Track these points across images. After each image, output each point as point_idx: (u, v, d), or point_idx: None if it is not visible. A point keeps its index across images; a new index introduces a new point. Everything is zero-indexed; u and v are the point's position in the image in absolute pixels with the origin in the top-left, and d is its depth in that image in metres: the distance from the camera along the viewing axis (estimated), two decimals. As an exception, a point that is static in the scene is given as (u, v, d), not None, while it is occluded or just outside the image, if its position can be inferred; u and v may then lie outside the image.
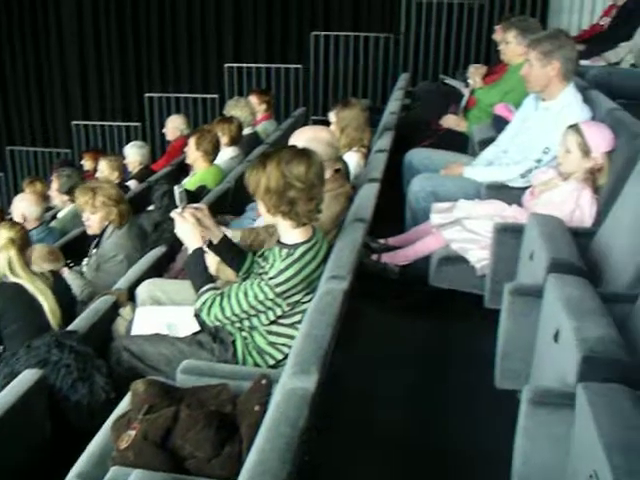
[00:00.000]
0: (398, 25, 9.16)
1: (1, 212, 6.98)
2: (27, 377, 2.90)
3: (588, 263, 2.84)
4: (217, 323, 2.89)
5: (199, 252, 2.97)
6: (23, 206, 5.18)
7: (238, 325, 2.89)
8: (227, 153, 5.76)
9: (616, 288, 2.76)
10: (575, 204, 3.34)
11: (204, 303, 2.86)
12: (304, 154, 2.73)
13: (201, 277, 2.94)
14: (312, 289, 2.74)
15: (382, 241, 4.06)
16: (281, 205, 2.70)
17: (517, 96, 4.60)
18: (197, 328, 3.14)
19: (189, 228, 2.98)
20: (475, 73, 5.58)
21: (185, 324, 3.18)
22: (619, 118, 3.55)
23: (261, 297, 2.74)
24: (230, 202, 5.00)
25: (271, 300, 2.74)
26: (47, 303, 3.45)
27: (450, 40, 9.07)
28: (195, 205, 3.16)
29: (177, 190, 3.10)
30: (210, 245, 3.11)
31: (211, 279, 2.95)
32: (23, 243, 3.59)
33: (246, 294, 2.77)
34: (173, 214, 3.05)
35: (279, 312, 2.79)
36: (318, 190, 2.75)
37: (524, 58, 4.52)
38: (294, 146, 2.86)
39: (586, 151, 3.36)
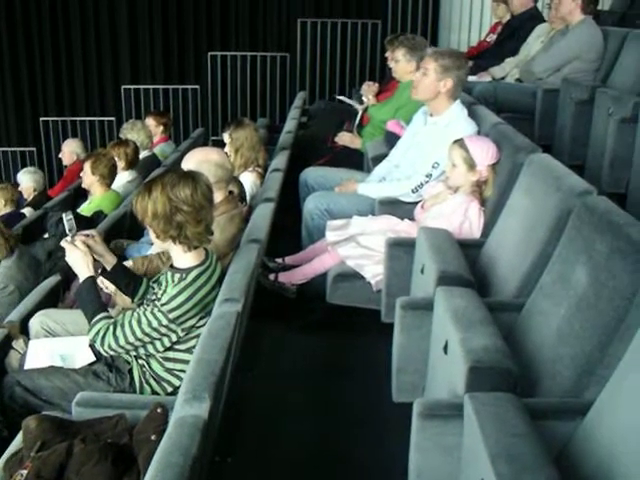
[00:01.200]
0: (294, 44, 9.25)
1: None
2: None
3: (476, 274, 2.93)
4: (112, 353, 2.83)
5: (90, 280, 2.91)
6: None
7: (134, 353, 2.84)
8: (124, 177, 5.67)
9: (503, 297, 2.84)
10: (464, 216, 3.44)
11: (97, 333, 2.79)
12: (189, 177, 2.73)
13: (93, 306, 2.87)
14: (207, 313, 2.72)
15: (279, 260, 4.07)
16: (170, 230, 2.68)
17: (408, 112, 4.70)
18: (93, 358, 3.08)
19: (80, 256, 2.91)
20: (368, 90, 5.69)
21: (81, 355, 3.11)
22: (503, 132, 3.68)
23: (155, 324, 2.71)
24: (128, 226, 4.93)
25: (165, 327, 2.71)
26: None
27: (345, 58, 9.22)
28: (86, 232, 3.10)
29: (65, 217, 3.04)
30: (104, 272, 3.06)
31: (104, 308, 2.89)
32: None
33: (139, 322, 2.72)
34: (63, 242, 2.98)
35: (174, 338, 2.76)
36: (207, 212, 2.74)
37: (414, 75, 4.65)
38: (178, 170, 2.86)
39: (471, 165, 3.47)
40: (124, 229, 4.89)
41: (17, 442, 2.61)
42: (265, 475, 2.83)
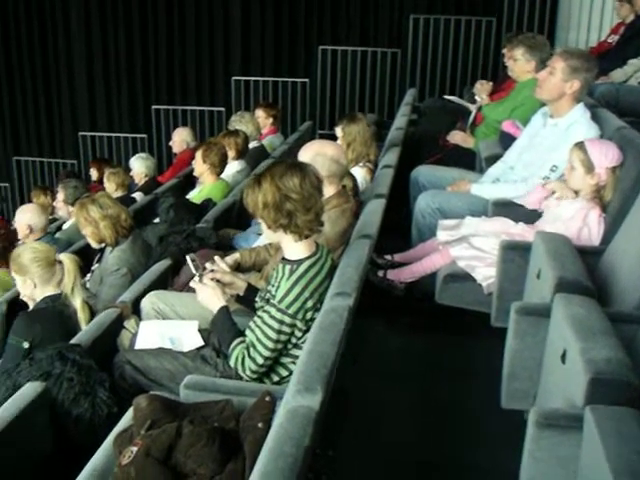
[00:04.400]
0: (405, 40, 9.17)
1: (5, 222, 7.00)
2: (29, 390, 2.89)
3: (595, 282, 2.82)
4: (256, 376, 2.82)
5: (224, 310, 2.95)
6: (28, 217, 5.16)
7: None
8: (233, 167, 5.75)
9: (624, 308, 2.73)
10: (582, 222, 3.32)
11: (236, 360, 2.81)
12: (296, 167, 2.75)
13: (229, 334, 2.89)
14: (320, 306, 2.72)
15: (388, 257, 4.04)
16: (280, 219, 2.70)
17: (525, 113, 4.59)
18: (201, 343, 3.13)
19: (210, 293, 2.98)
20: (482, 89, 5.59)
21: (189, 338, 3.16)
22: (627, 136, 3.53)
23: (277, 326, 2.71)
24: (236, 216, 5.00)
25: (288, 325, 2.71)
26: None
27: (457, 56, 9.08)
28: (210, 267, 3.17)
29: (190, 259, 3.09)
30: (238, 299, 3.13)
31: (240, 334, 2.89)
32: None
33: (265, 333, 2.73)
34: (192, 284, 3.04)
35: (299, 333, 2.75)
36: (315, 200, 2.74)
37: (532, 75, 4.52)
38: (285, 161, 2.88)
39: (589, 167, 3.35)
40: (232, 218, 4.96)
41: (127, 419, 2.68)
42: (364, 472, 2.82)
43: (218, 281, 3.04)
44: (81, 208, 4.08)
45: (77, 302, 3.53)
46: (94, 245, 4.21)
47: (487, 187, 4.14)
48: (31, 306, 3.59)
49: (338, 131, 4.57)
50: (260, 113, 7.05)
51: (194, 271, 3.06)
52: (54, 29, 10.77)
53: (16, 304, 4.12)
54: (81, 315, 3.51)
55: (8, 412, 2.78)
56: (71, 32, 10.69)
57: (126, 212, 4.14)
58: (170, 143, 7.81)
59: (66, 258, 3.58)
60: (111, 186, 6.14)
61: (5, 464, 2.77)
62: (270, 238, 2.92)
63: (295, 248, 2.77)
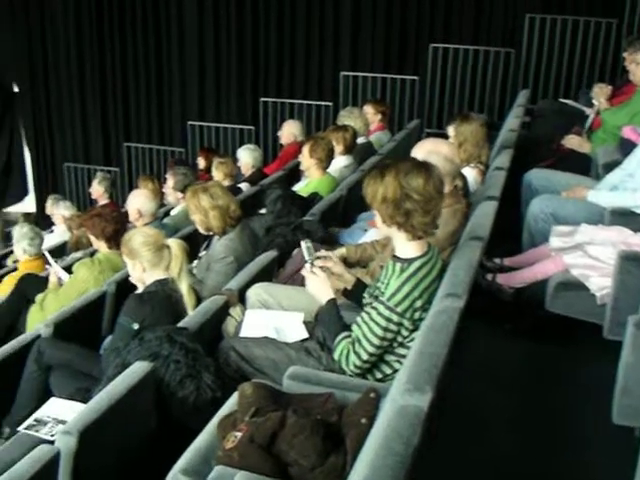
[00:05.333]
0: (520, 40, 8.95)
1: (115, 205, 7.21)
2: (138, 369, 2.98)
3: None
4: (358, 371, 2.82)
5: (332, 303, 2.95)
6: (139, 202, 5.30)
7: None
8: (340, 162, 5.76)
9: None
10: None
11: (341, 354, 2.82)
12: (423, 167, 2.71)
13: (335, 327, 2.90)
14: (429, 306, 2.69)
15: (497, 261, 3.97)
16: (396, 216, 2.67)
17: (647, 119, 4.42)
18: (306, 335, 3.15)
19: (319, 282, 2.99)
20: (600, 93, 5.40)
21: (294, 330, 3.19)
22: None
23: (384, 324, 2.70)
24: (341, 211, 5.00)
25: (396, 323, 2.70)
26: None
27: (574, 58, 8.79)
28: (323, 253, 3.18)
29: (304, 245, 3.10)
30: (345, 292, 3.12)
31: (345, 327, 2.89)
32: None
33: (372, 330, 2.73)
34: (303, 272, 3.06)
35: (405, 333, 2.74)
36: (435, 203, 2.70)
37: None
38: (413, 159, 2.83)
39: None
40: (338, 213, 4.97)
41: (230, 404, 2.72)
42: (462, 476, 2.77)
43: (329, 271, 3.05)
44: (193, 195, 4.17)
45: (183, 287, 3.61)
46: (202, 231, 4.29)
47: (604, 195, 4.00)
48: (140, 288, 3.69)
49: (450, 130, 4.51)
50: (369, 109, 7.03)
51: (306, 257, 3.06)
52: (168, 20, 11.06)
53: (125, 285, 4.26)
54: (187, 300, 3.59)
55: (117, 389, 2.87)
56: (185, 24, 10.95)
57: (235, 203, 4.20)
58: (278, 134, 7.90)
59: (174, 243, 3.67)
60: (219, 175, 6.25)
61: (111, 438, 2.87)
62: (382, 232, 2.91)
63: (407, 246, 2.74)
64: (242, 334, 3.27)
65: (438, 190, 2.70)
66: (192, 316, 3.40)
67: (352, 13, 10.03)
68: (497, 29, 9.41)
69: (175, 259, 3.61)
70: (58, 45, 11.86)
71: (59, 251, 6.78)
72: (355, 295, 3.11)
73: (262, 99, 10.46)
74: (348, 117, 6.51)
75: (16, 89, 12.72)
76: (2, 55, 12.55)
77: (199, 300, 3.71)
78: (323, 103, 10.17)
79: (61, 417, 3.28)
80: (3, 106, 12.86)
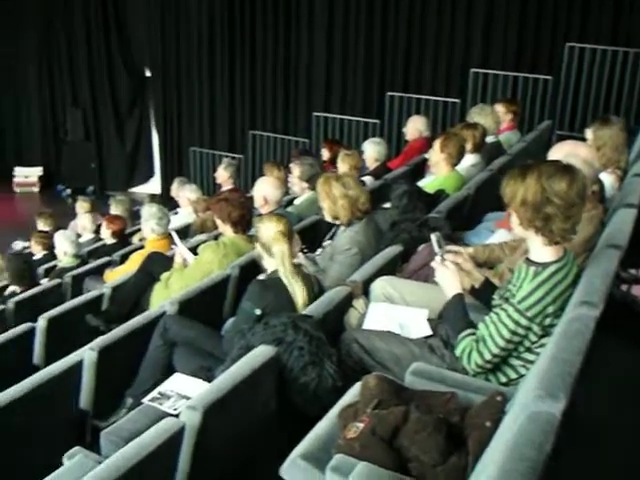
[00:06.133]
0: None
1: (240, 191, 7.35)
2: (262, 352, 3.04)
3: None
4: (479, 370, 2.80)
5: (459, 298, 2.93)
6: (266, 189, 5.40)
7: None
8: (469, 160, 5.67)
9: None
10: None
11: (463, 350, 2.80)
12: (567, 170, 2.62)
13: (460, 323, 2.88)
14: (561, 313, 2.62)
15: (633, 272, 3.81)
16: (535, 220, 2.61)
17: None
18: (429, 332, 3.13)
19: (449, 275, 2.96)
20: None
21: (418, 326, 3.18)
22: None
23: (512, 326, 2.66)
24: (468, 210, 4.93)
25: (524, 327, 2.65)
26: (302, 299, 3.58)
27: None
28: (454, 248, 3.15)
29: (435, 237, 3.08)
30: (473, 291, 3.09)
31: (470, 324, 2.87)
32: (291, 235, 3.73)
33: (498, 330, 2.69)
34: (434, 263, 3.04)
35: (533, 338, 2.68)
36: (577, 210, 2.62)
37: None
38: (557, 161, 2.74)
39: None
40: (464, 212, 4.90)
41: (352, 395, 2.74)
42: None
43: (458, 266, 3.02)
44: (325, 182, 4.22)
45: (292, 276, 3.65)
46: (328, 219, 4.32)
47: None
48: (262, 275, 3.76)
49: (588, 133, 4.37)
50: (500, 108, 6.87)
51: (436, 249, 3.04)
52: (298, 12, 11.20)
53: (249, 269, 4.35)
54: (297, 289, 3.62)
55: (240, 371, 2.95)
56: (315, 16, 11.05)
57: (366, 196, 4.21)
58: (403, 130, 7.86)
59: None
60: (344, 167, 6.27)
61: (233, 418, 2.94)
62: (517, 234, 2.84)
63: (542, 251, 2.67)
64: (365, 326, 3.29)
65: (581, 196, 2.61)
66: (316, 305, 3.43)
67: (485, 10, 9.83)
68: (638, 30, 8.98)
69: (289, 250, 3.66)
70: (191, 32, 12.24)
71: (183, 233, 6.97)
72: (483, 295, 3.06)
73: (388, 93, 10.44)
74: (479, 114, 6.38)
75: (148, 74, 13.20)
76: (136, 40, 13.04)
77: (321, 289, 3.75)
78: (450, 100, 10.03)
79: (184, 393, 3.39)
80: (135, 90, 13.38)
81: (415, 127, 7.47)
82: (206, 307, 4.31)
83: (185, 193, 7.81)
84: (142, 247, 6.18)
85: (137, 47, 13.13)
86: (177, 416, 2.88)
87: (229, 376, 2.91)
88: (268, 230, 3.66)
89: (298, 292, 3.55)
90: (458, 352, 2.82)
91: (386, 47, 10.63)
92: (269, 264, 3.71)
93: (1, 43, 14.18)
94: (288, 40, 11.42)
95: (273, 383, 3.10)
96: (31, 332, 4.65)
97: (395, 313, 3.30)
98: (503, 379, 2.79)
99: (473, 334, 2.79)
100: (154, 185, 13.66)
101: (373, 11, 10.58)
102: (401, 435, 2.38)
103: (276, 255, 3.60)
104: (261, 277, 3.70)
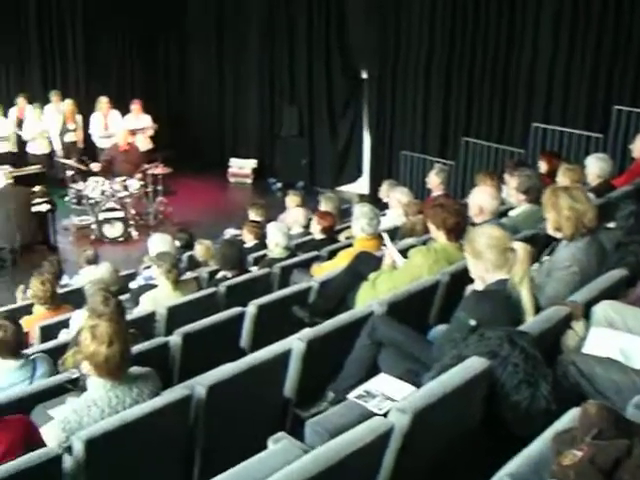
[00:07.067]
0: None
1: (453, 198, 7.27)
2: (475, 363, 3.00)
3: None
4: None
5: None
6: (483, 198, 5.32)
7: None
8: None
9: None
10: None
11: None
12: None
13: None
14: None
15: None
16: None
17: None
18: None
19: None
20: None
21: (640, 355, 2.99)
22: None
23: None
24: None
25: None
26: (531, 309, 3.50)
27: None
28: None
29: None
30: None
31: None
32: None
33: None
34: None
35: None
36: None
37: None
38: None
39: None
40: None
41: (568, 420, 2.62)
42: None
43: None
44: (552, 193, 4.13)
45: (524, 291, 3.55)
46: (550, 231, 4.18)
47: None
48: (479, 286, 3.68)
49: None
50: None
51: None
52: (523, 22, 10.86)
53: (459, 278, 4.30)
54: (528, 305, 3.53)
55: (453, 379, 2.93)
56: (540, 28, 10.67)
57: (593, 212, 4.02)
58: (629, 147, 7.43)
59: (520, 247, 3.61)
60: (565, 181, 6.03)
61: (439, 426, 2.92)
62: None
63: None
64: (584, 350, 3.15)
65: None
66: (533, 322, 3.33)
67: None
68: None
69: (520, 263, 3.55)
70: (410, 37, 12.26)
71: (390, 234, 7.02)
72: None
73: (615, 107, 9.87)
74: None
75: (365, 75, 13.41)
76: (355, 41, 13.29)
77: (538, 306, 3.63)
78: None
79: (389, 394, 3.42)
80: (350, 91, 13.67)
81: (642, 144, 7.05)
82: (413, 311, 4.32)
83: (396, 195, 7.85)
84: (350, 245, 6.29)
85: (356, 48, 13.38)
86: (383, 416, 2.90)
87: (440, 383, 2.90)
88: (500, 240, 3.59)
89: (527, 302, 3.46)
90: None
91: (617, 54, 9.99)
92: (488, 275, 3.63)
93: (228, 44, 15.13)
94: (510, 49, 11.07)
95: (482, 396, 3.04)
96: (240, 317, 4.88)
97: (617, 339, 3.13)
98: None
99: None
100: (361, 185, 13.86)
101: (607, 7, 9.96)
102: (622, 469, 2.25)
103: (510, 264, 3.53)
104: (479, 288, 3.63)
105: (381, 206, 8.67)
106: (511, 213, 6.05)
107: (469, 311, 3.46)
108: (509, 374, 2.94)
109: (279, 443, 3.00)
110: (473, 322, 3.38)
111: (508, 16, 11.02)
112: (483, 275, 3.62)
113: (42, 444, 3.21)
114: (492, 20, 11.19)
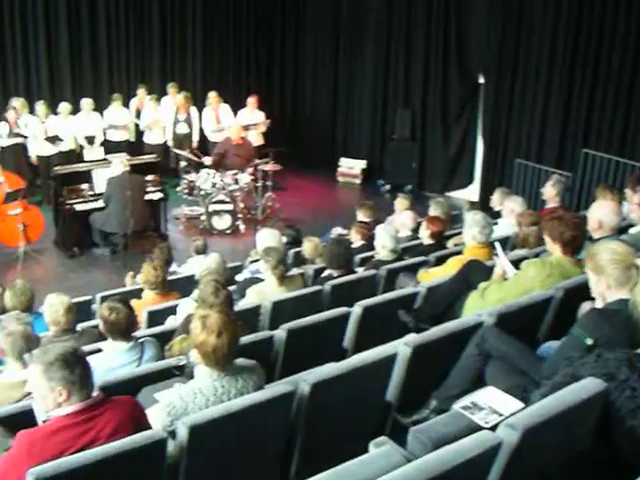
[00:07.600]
0: None
1: (565, 209, 7.04)
2: (590, 384, 2.89)
3: None
4: None
5: None
6: (603, 213, 5.13)
7: None
8: None
9: None
10: None
11: None
12: None
13: None
14: None
15: None
16: None
17: None
18: None
19: None
20: None
21: None
22: None
23: None
24: None
25: None
26: None
27: None
28: None
29: None
30: None
31: None
32: None
33: None
34: None
35: None
36: None
37: None
38: None
39: None
40: None
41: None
42: None
43: None
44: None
45: None
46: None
47: None
48: (599, 304, 3.54)
49: None
50: None
51: None
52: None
53: (574, 294, 4.15)
54: None
55: (566, 398, 2.84)
56: None
57: None
58: None
59: None
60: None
61: (549, 445, 2.81)
62: None
63: None
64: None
65: None
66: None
67: None
68: None
69: None
70: (532, 41, 11.93)
71: (501, 244, 6.86)
72: None
73: None
74: None
75: (481, 80, 13.17)
76: (473, 45, 13.07)
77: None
78: None
79: (496, 408, 3.33)
80: (466, 96, 13.45)
81: None
82: (522, 325, 4.19)
83: (510, 204, 7.65)
84: (460, 252, 6.18)
85: (474, 53, 13.16)
86: (490, 429, 2.82)
87: (552, 402, 2.80)
88: (623, 256, 3.45)
89: None
90: None
91: None
92: (610, 292, 3.48)
93: (343, 44, 15.20)
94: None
95: (595, 419, 2.91)
96: (344, 316, 4.87)
97: None
98: None
99: None
100: (471, 192, 13.62)
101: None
102: None
103: (633, 282, 3.38)
104: (598, 306, 3.49)
105: (492, 214, 8.50)
106: (631, 230, 5.80)
107: (587, 329, 3.32)
108: (626, 398, 2.81)
109: (381, 447, 2.97)
110: (590, 341, 3.24)
111: (637, 19, 10.55)
112: (604, 292, 3.47)
113: (148, 426, 3.28)
114: (620, 24, 10.73)
